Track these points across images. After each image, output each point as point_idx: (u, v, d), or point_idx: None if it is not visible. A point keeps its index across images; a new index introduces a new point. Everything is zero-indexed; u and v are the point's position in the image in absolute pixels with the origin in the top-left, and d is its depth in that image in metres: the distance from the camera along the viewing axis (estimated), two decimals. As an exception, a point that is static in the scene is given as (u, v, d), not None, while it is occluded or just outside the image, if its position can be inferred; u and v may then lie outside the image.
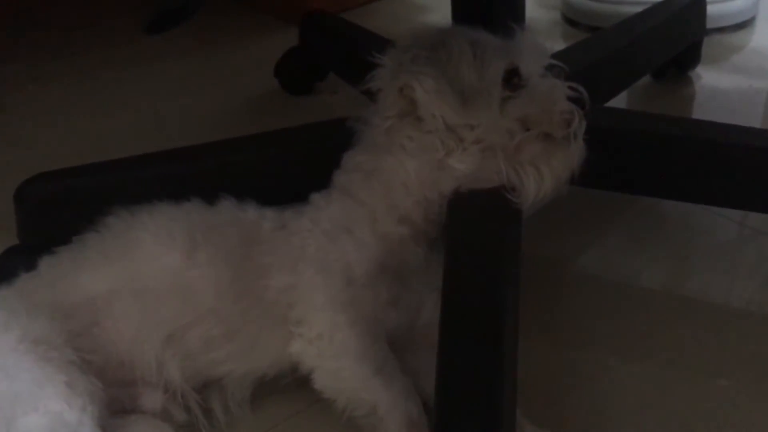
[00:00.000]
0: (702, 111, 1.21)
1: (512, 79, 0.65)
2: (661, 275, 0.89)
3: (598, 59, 1.03)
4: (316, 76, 1.28)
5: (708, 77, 1.28)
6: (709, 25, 1.26)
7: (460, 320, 0.61)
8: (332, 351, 0.63)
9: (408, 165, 0.66)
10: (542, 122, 0.65)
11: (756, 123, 1.15)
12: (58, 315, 0.63)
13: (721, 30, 1.40)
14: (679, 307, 0.82)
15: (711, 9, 1.25)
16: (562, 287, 0.86)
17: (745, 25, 1.44)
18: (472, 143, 0.64)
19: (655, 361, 0.75)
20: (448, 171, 0.65)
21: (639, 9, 1.20)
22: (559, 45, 1.22)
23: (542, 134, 0.65)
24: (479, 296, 0.62)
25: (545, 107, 0.65)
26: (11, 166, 0.95)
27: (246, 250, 0.67)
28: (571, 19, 1.51)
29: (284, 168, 0.83)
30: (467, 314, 0.61)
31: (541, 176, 0.65)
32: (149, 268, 0.67)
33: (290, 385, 0.70)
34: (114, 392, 0.65)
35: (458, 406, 0.55)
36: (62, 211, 0.78)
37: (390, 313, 0.65)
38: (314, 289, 0.64)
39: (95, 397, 0.60)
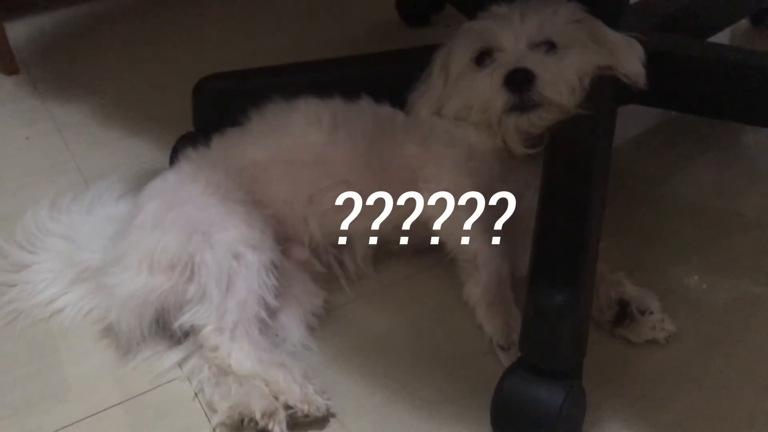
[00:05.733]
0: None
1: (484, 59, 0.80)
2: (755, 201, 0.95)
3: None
4: (433, 8, 1.41)
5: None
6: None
7: (553, 204, 0.74)
8: (454, 204, 0.77)
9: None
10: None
11: None
12: (231, 172, 0.81)
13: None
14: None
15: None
16: (649, 202, 0.96)
17: None
18: None
19: (735, 278, 0.82)
20: None
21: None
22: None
23: None
24: (571, 186, 0.75)
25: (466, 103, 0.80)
26: (189, 67, 1.13)
27: (380, 132, 0.83)
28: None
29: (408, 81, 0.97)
30: (559, 200, 0.74)
31: None
32: (299, 142, 0.84)
33: (406, 252, 0.87)
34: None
35: (548, 270, 0.67)
36: (230, 104, 0.96)
37: (500, 187, 0.79)
38: (443, 157, 0.79)
39: (268, 223, 0.78)
